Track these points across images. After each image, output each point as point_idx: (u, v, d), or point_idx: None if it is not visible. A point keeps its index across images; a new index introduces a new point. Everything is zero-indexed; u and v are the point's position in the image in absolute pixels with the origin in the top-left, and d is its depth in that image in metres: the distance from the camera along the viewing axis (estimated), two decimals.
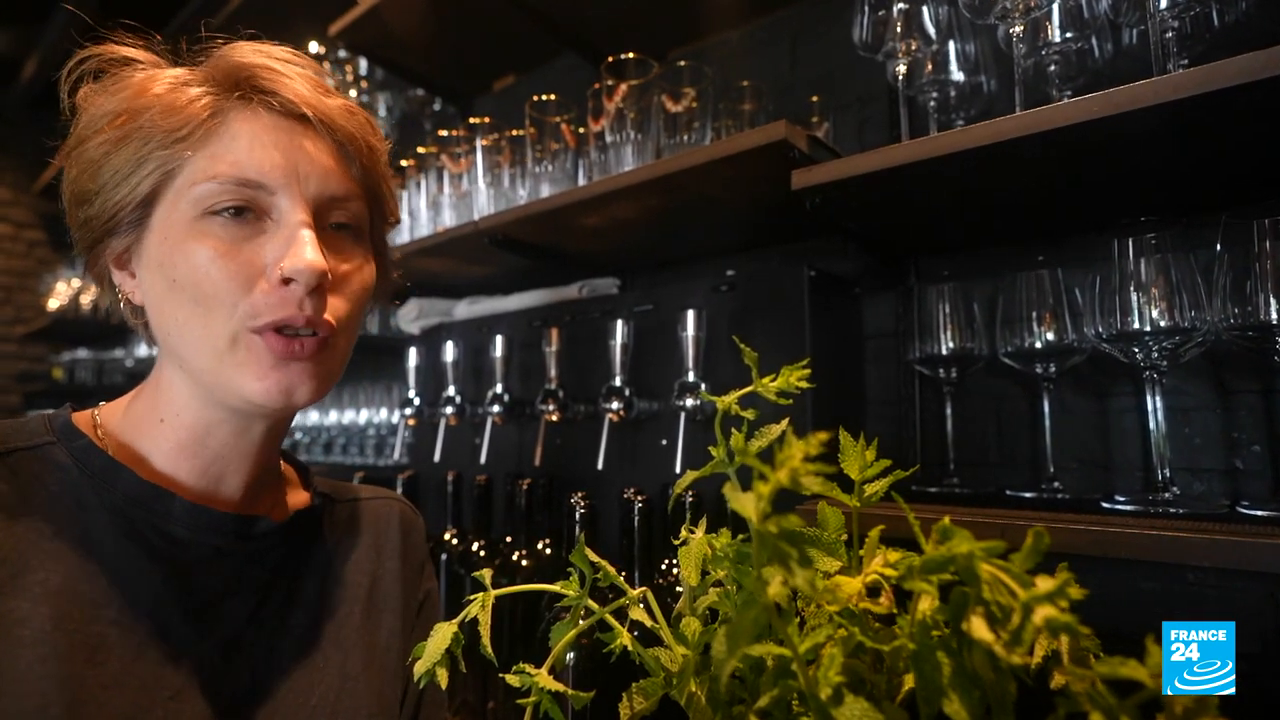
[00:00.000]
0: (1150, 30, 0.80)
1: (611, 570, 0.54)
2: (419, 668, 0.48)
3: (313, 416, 2.30)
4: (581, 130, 1.35)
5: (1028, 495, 0.98)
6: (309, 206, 0.60)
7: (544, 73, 1.93)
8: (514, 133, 1.46)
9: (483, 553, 1.29)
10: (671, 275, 1.59)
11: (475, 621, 0.51)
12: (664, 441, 1.25)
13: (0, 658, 0.50)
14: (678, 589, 0.56)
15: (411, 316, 1.69)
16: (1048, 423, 1.02)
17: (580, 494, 1.03)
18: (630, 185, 1.11)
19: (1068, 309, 0.96)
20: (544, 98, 1.36)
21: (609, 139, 1.24)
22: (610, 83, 1.22)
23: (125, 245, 0.62)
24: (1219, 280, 0.79)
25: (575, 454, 1.38)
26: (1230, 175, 0.88)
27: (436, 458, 1.49)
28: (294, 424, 2.22)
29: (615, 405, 1.21)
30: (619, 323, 1.24)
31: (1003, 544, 0.35)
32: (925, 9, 0.98)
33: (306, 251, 0.58)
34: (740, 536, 0.51)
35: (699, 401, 1.13)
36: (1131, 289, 0.83)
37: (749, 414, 0.53)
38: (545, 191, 1.37)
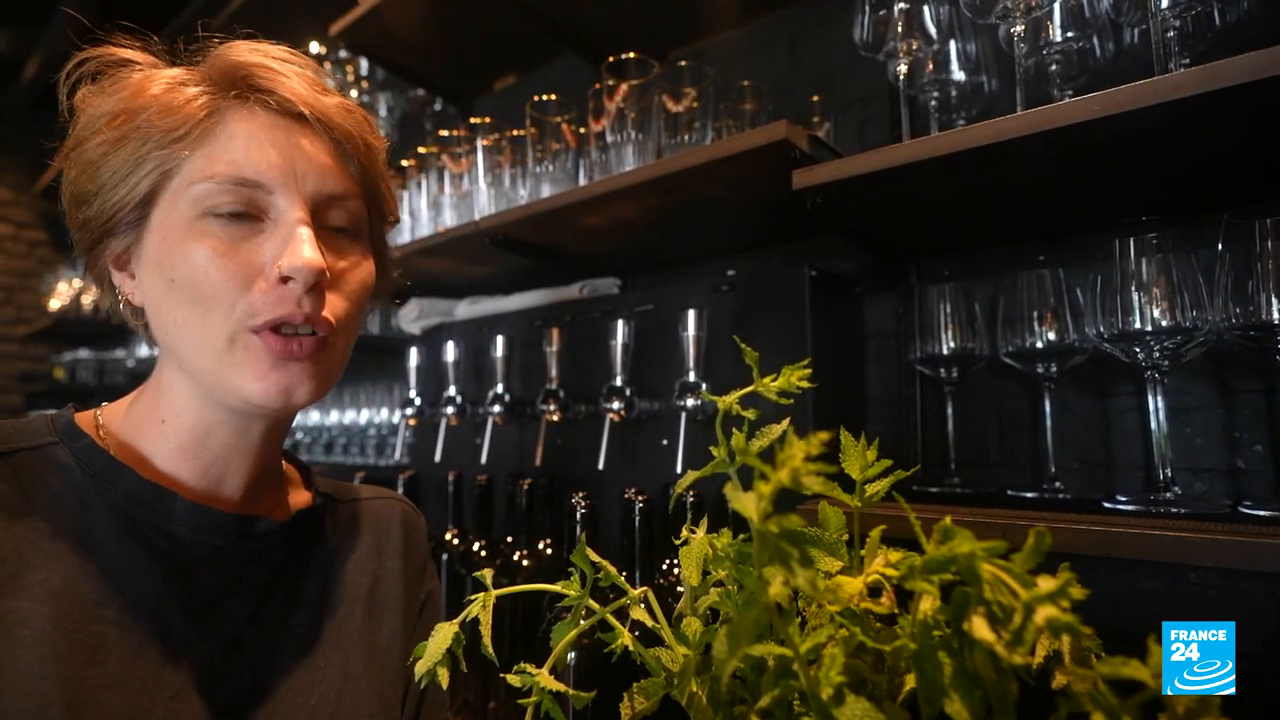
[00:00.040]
0: (1152, 29, 0.80)
1: (612, 570, 0.54)
2: (420, 667, 0.48)
3: (314, 416, 2.30)
4: (582, 130, 1.35)
5: (1029, 495, 0.98)
6: (307, 205, 0.60)
7: (545, 73, 1.93)
8: (515, 133, 1.46)
9: (483, 553, 1.29)
10: (672, 275, 1.59)
11: (476, 621, 0.51)
12: (665, 441, 1.25)
13: (1, 657, 0.50)
14: (679, 589, 0.56)
15: (412, 316, 1.69)
16: (1049, 422, 1.01)
17: (581, 494, 1.03)
18: (631, 185, 1.11)
19: (1069, 309, 0.96)
20: (545, 98, 1.36)
21: (610, 139, 1.24)
22: (611, 83, 1.22)
23: (124, 246, 0.62)
24: (1220, 280, 0.79)
25: (576, 454, 1.38)
26: (1232, 175, 0.88)
27: (437, 458, 1.49)
28: (295, 424, 2.22)
29: (616, 405, 1.21)
30: (620, 323, 1.24)
31: (1004, 544, 0.35)
32: (926, 8, 0.98)
33: (304, 250, 0.57)
34: (741, 536, 0.51)
35: (700, 401, 1.13)
36: (1133, 289, 0.83)
37: (750, 414, 0.53)
38: (546, 191, 1.38)
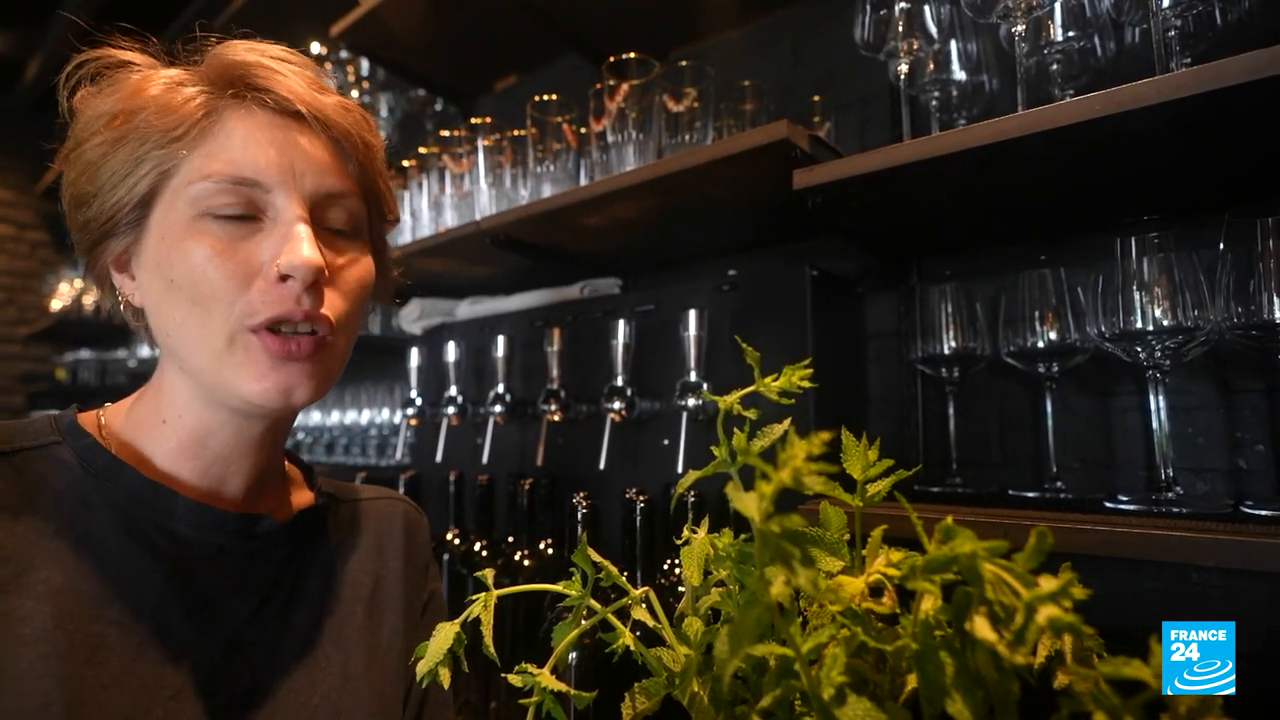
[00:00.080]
0: (1153, 29, 0.80)
1: (614, 570, 0.54)
2: (421, 667, 0.48)
3: (315, 417, 2.30)
4: (583, 130, 1.35)
5: (1030, 495, 0.98)
6: (305, 203, 0.60)
7: (545, 73, 1.93)
8: (516, 133, 1.46)
9: (485, 553, 1.29)
10: (673, 275, 1.59)
11: (478, 621, 0.51)
12: (666, 441, 1.25)
13: (2, 656, 0.50)
14: (680, 589, 0.56)
15: (413, 317, 1.70)
16: (1050, 422, 1.01)
17: (582, 494, 1.03)
18: (632, 185, 1.11)
19: (1070, 308, 0.96)
20: (546, 98, 1.36)
21: (610, 139, 1.24)
22: (612, 82, 1.22)
23: (124, 246, 0.62)
24: (1222, 279, 0.79)
25: (577, 454, 1.38)
26: (1233, 174, 0.88)
27: (438, 458, 1.49)
28: (296, 424, 2.22)
29: (617, 405, 1.21)
30: (621, 322, 1.24)
31: (1006, 544, 0.35)
32: (927, 8, 0.98)
33: (303, 248, 0.57)
34: (743, 536, 0.51)
35: (701, 401, 1.13)
36: (1134, 288, 0.83)
37: (751, 414, 0.53)
38: (547, 191, 1.38)
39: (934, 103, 1.07)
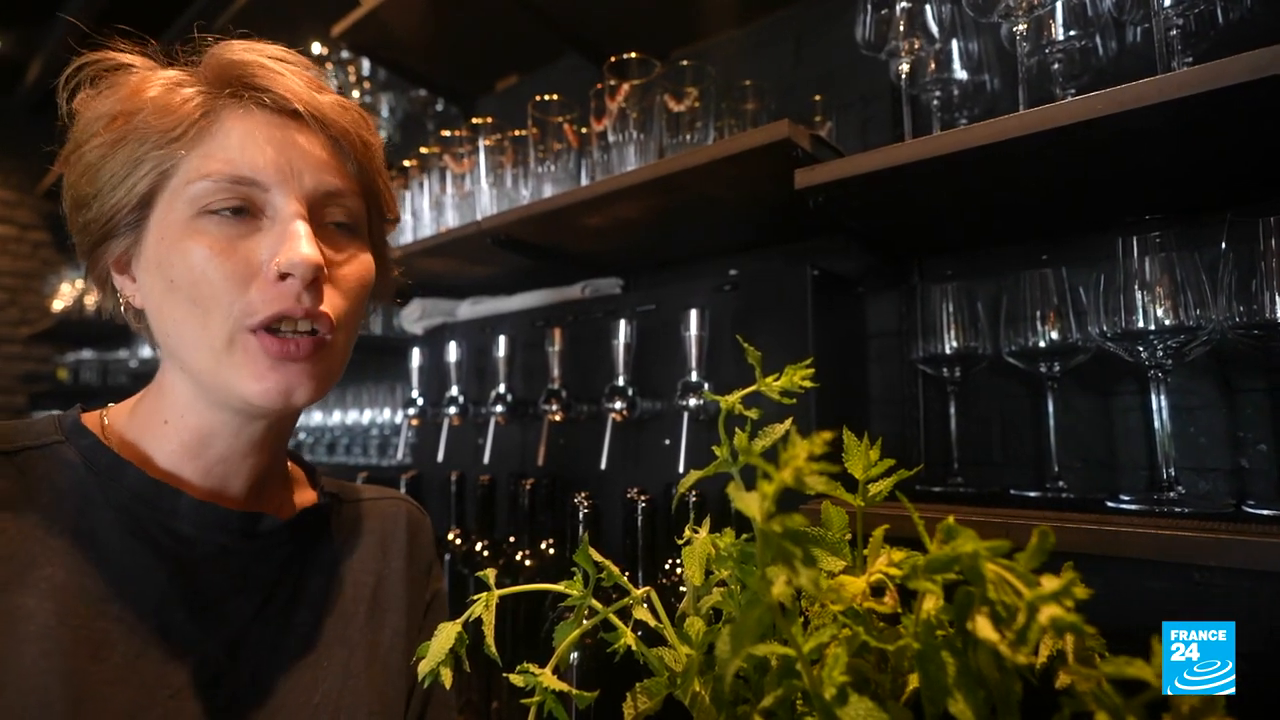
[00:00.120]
0: (1154, 28, 0.80)
1: (615, 570, 0.54)
2: (423, 667, 0.48)
3: (316, 417, 2.31)
4: (584, 130, 1.35)
5: (1032, 494, 0.98)
6: (304, 202, 0.60)
7: (546, 73, 1.93)
8: (517, 133, 1.46)
9: (486, 552, 1.29)
10: (674, 275, 1.59)
11: (479, 621, 0.51)
12: (667, 441, 1.25)
13: (5, 653, 0.51)
14: (681, 589, 0.56)
15: (415, 317, 1.70)
16: (1052, 422, 1.01)
17: (583, 494, 1.04)
18: (633, 185, 1.11)
19: (1072, 308, 0.96)
20: (546, 98, 1.36)
21: (611, 139, 1.24)
22: (613, 82, 1.22)
23: (124, 248, 0.62)
24: (1224, 278, 0.79)
25: (578, 454, 1.38)
26: (1235, 173, 0.88)
27: (440, 458, 1.49)
28: (298, 424, 2.23)
29: (618, 405, 1.21)
30: (622, 322, 1.24)
31: (1007, 543, 0.35)
32: (928, 8, 0.98)
33: (302, 245, 0.57)
34: (744, 536, 0.51)
35: (702, 401, 1.13)
36: (1136, 288, 0.83)
37: (752, 413, 0.53)
38: (548, 191, 1.38)
39: (935, 102, 1.07)
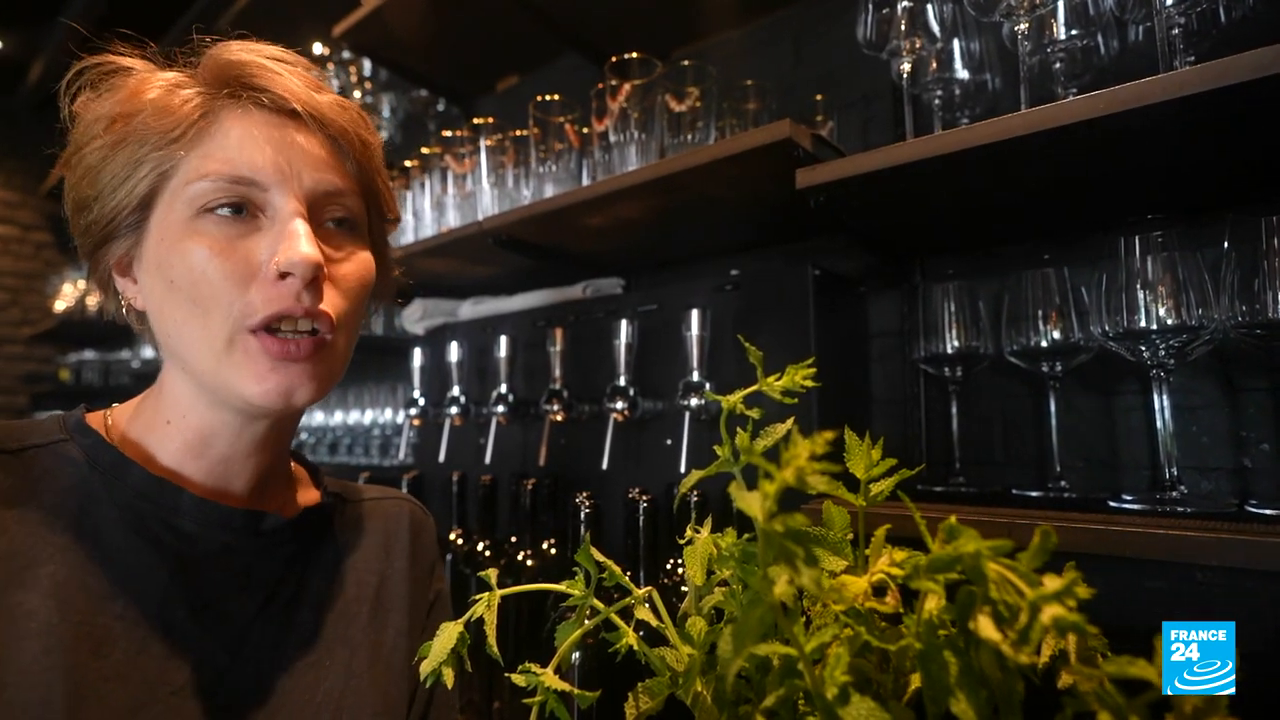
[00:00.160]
0: (1156, 27, 0.80)
1: (617, 570, 0.54)
2: (425, 667, 0.48)
3: (318, 417, 2.31)
4: (585, 130, 1.35)
5: (1034, 494, 0.98)
6: (303, 201, 0.60)
7: (547, 73, 1.93)
8: (518, 133, 1.47)
9: (488, 552, 1.29)
10: (675, 275, 1.59)
11: (481, 621, 0.51)
12: (669, 441, 1.25)
13: (7, 649, 0.51)
14: (683, 588, 0.56)
15: (416, 317, 1.70)
16: (1054, 421, 1.01)
17: (585, 494, 1.04)
18: (634, 185, 1.11)
19: (1074, 307, 0.96)
20: (547, 98, 1.36)
21: (613, 139, 1.24)
22: (614, 82, 1.22)
23: (125, 249, 0.63)
24: (1226, 278, 0.79)
25: (580, 454, 1.38)
26: (1237, 172, 0.88)
27: (441, 458, 1.49)
28: (299, 424, 2.23)
29: (620, 405, 1.21)
30: (623, 322, 1.24)
31: (1009, 543, 0.35)
32: (930, 7, 0.98)
33: (301, 244, 0.57)
34: (746, 536, 0.51)
35: (704, 401, 1.13)
36: (1138, 287, 0.83)
37: (754, 413, 0.53)
38: (549, 191, 1.38)
39: (937, 102, 1.07)
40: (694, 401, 1.13)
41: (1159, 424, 0.85)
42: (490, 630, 0.51)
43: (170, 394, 0.64)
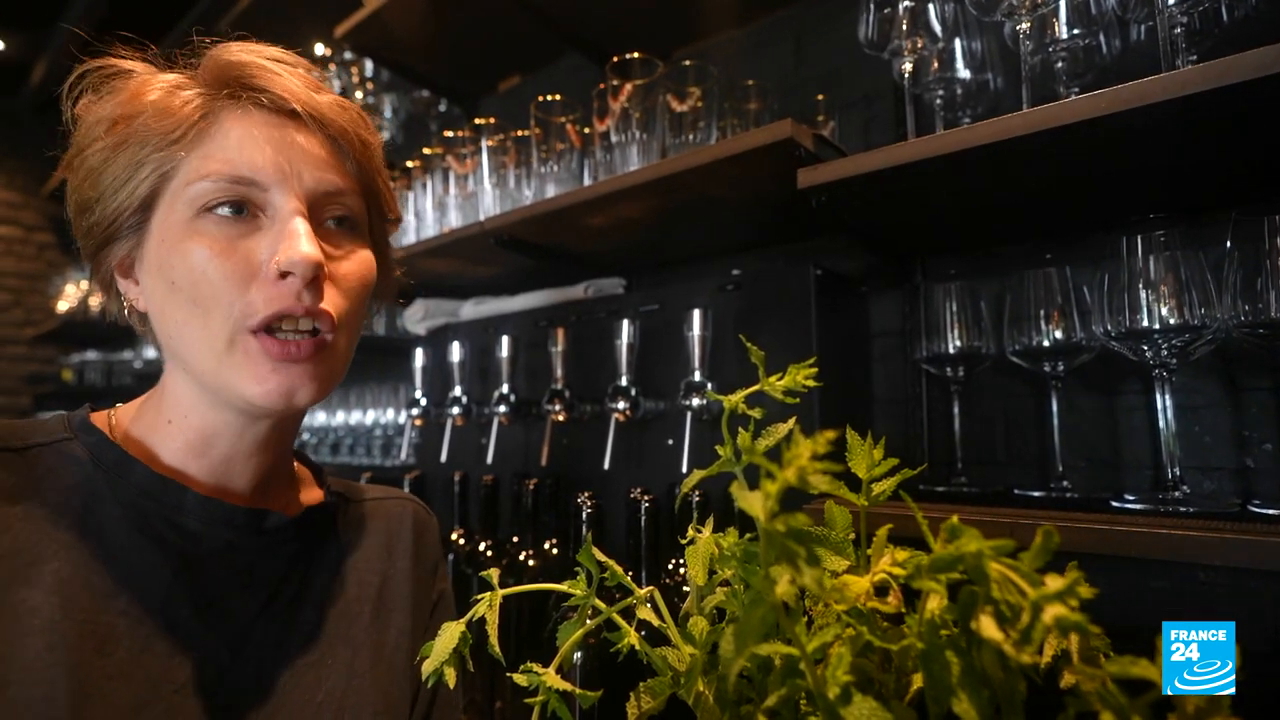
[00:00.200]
0: (1158, 26, 0.80)
1: (618, 569, 0.54)
2: (427, 666, 0.48)
3: (320, 417, 2.31)
4: (586, 130, 1.35)
5: (1036, 494, 0.98)
6: (303, 200, 0.60)
7: (549, 73, 1.93)
8: (519, 133, 1.47)
9: (490, 552, 1.29)
10: (677, 275, 1.59)
11: (483, 621, 0.51)
12: (670, 441, 1.25)
13: (10, 647, 0.51)
14: (685, 588, 0.56)
15: (418, 317, 1.70)
16: (1056, 421, 1.01)
17: (587, 494, 1.04)
18: (635, 185, 1.11)
19: (1076, 307, 0.96)
20: (549, 98, 1.36)
21: (614, 139, 1.24)
22: (615, 82, 1.22)
23: (127, 251, 0.63)
24: (1229, 277, 0.78)
25: (581, 454, 1.38)
26: (1239, 172, 0.88)
27: (443, 458, 1.49)
28: (301, 424, 2.23)
29: (621, 405, 1.21)
30: (625, 322, 1.24)
31: (1011, 543, 0.35)
32: (931, 6, 0.98)
33: (301, 244, 0.57)
34: (748, 535, 0.51)
35: (705, 401, 1.13)
36: (1140, 287, 0.83)
37: (756, 413, 0.53)
38: (551, 192, 1.38)
39: (938, 101, 1.07)
40: (696, 401, 1.14)
41: (1161, 424, 0.85)
42: (492, 630, 0.51)
43: (172, 394, 0.64)
